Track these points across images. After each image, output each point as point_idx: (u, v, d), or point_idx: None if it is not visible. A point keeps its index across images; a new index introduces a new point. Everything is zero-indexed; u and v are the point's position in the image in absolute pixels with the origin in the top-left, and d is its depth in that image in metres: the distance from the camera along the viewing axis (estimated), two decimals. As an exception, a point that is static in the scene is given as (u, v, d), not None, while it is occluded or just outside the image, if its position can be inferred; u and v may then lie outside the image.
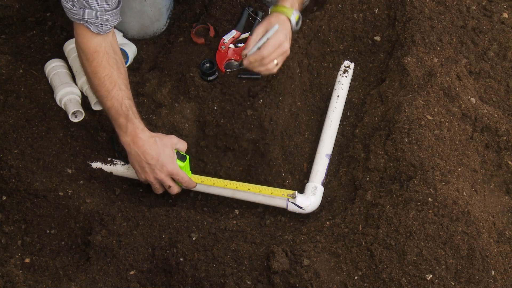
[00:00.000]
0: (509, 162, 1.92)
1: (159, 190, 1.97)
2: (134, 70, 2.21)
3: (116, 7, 1.85)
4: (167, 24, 2.28)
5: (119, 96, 1.87)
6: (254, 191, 1.94)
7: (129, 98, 1.90)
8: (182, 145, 1.95)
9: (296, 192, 1.92)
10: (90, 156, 2.05)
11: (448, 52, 2.05)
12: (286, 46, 1.93)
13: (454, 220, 1.70)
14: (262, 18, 2.20)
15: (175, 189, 1.96)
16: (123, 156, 1.99)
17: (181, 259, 1.78)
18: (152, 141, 1.88)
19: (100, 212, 1.88)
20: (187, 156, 1.96)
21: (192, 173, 2.02)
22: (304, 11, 2.38)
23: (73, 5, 1.80)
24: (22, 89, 2.03)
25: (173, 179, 1.94)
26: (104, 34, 1.85)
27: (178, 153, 1.93)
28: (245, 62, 1.93)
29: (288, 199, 1.91)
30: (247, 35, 2.18)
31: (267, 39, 1.90)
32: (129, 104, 1.89)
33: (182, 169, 1.93)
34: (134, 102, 2.10)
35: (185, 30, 2.25)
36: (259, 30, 1.93)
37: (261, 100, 2.07)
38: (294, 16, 1.96)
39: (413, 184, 1.76)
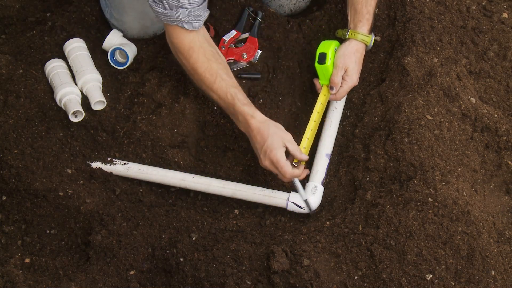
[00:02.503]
0: (509, 162, 1.92)
1: (280, 177, 1.88)
2: (134, 70, 2.21)
3: (205, 0, 1.86)
4: None
5: (223, 87, 1.87)
6: None
7: (233, 86, 1.88)
8: (291, 145, 1.86)
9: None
10: (90, 156, 2.05)
11: (448, 52, 2.05)
12: (356, 83, 2.07)
13: (454, 220, 1.70)
14: (262, 18, 2.20)
15: (283, 178, 1.87)
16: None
17: (181, 259, 1.78)
18: (263, 126, 1.84)
19: (100, 212, 1.88)
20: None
21: (192, 174, 2.03)
22: (304, 11, 2.39)
23: (164, 8, 1.80)
24: (22, 89, 2.03)
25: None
26: (198, 29, 1.86)
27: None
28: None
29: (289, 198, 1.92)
30: (247, 35, 2.18)
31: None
32: (234, 92, 1.87)
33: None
34: (134, 102, 2.11)
35: (185, 30, 2.25)
36: (339, 65, 2.02)
37: (261, 100, 2.07)
38: (372, 41, 2.09)
39: (413, 184, 1.76)
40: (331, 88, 2.05)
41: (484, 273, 1.65)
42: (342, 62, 2.03)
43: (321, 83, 2.09)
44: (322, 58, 2.06)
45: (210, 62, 1.88)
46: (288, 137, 1.86)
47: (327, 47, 2.08)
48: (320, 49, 2.09)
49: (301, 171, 1.88)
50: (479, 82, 2.07)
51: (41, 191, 1.89)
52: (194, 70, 1.90)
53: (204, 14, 1.88)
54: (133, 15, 2.19)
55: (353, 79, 2.05)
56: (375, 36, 2.20)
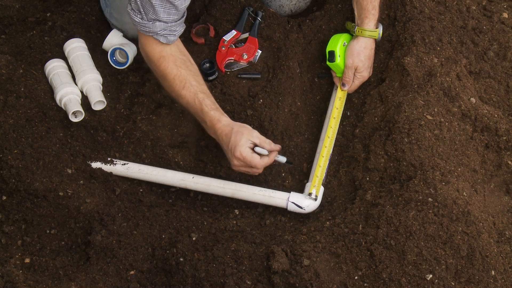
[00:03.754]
0: (509, 162, 1.92)
1: (253, 172, 1.90)
2: (134, 70, 2.21)
3: (183, 16, 1.88)
4: None
5: (191, 92, 1.89)
6: None
7: (201, 91, 1.90)
8: (258, 139, 1.86)
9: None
10: (90, 156, 2.05)
11: (448, 52, 2.05)
12: (367, 77, 2.13)
13: (454, 220, 1.70)
14: (262, 18, 2.20)
15: (256, 170, 1.88)
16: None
17: (181, 259, 1.78)
18: (228, 128, 1.86)
19: (100, 212, 1.88)
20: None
21: (192, 174, 2.03)
22: (304, 11, 2.39)
23: (142, 18, 1.82)
24: (22, 89, 2.03)
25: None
26: (171, 43, 1.89)
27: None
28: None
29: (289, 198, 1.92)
30: (247, 35, 2.18)
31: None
32: (202, 97, 1.89)
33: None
34: (134, 102, 2.11)
35: (185, 30, 2.24)
36: (348, 65, 2.08)
37: (261, 100, 2.07)
38: (380, 33, 2.11)
39: (413, 184, 1.76)
40: (343, 85, 2.12)
41: (484, 273, 1.65)
42: (351, 61, 2.08)
43: (338, 75, 2.16)
44: (331, 56, 2.12)
45: (179, 69, 1.90)
46: (254, 133, 1.86)
47: (335, 43, 2.13)
48: (328, 47, 2.14)
49: (271, 159, 1.88)
50: (479, 82, 2.07)
51: (41, 191, 1.89)
52: (164, 76, 1.91)
53: (180, 29, 1.89)
54: (133, 15, 2.19)
55: (363, 76, 2.11)
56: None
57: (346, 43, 2.13)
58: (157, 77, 1.96)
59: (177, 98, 1.94)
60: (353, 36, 2.13)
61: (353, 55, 2.08)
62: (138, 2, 1.78)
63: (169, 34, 1.86)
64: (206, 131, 2.07)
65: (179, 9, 1.82)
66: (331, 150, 2.05)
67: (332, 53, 2.11)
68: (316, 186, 1.94)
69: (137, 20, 1.83)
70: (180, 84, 1.89)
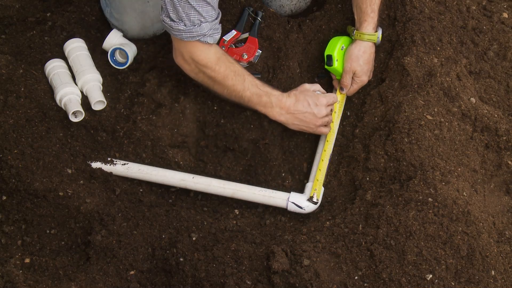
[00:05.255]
0: (509, 162, 1.92)
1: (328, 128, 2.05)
2: (134, 70, 2.21)
3: (219, 13, 1.89)
4: None
5: (252, 82, 1.94)
6: None
7: (254, 77, 1.97)
8: (316, 87, 2.03)
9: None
10: (90, 156, 2.05)
11: (448, 52, 2.05)
12: (366, 81, 2.13)
13: (454, 220, 1.70)
14: (262, 18, 2.20)
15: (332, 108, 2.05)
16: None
17: (181, 259, 1.78)
18: (293, 97, 1.98)
19: (100, 212, 1.88)
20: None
21: (192, 174, 2.03)
22: (304, 11, 2.39)
23: (186, 25, 1.80)
24: (22, 89, 2.03)
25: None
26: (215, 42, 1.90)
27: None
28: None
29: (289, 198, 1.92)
30: (247, 35, 2.18)
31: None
32: (260, 82, 1.97)
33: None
34: (134, 102, 2.11)
35: (185, 30, 2.25)
36: (347, 69, 2.09)
37: (261, 100, 2.07)
38: (379, 37, 2.10)
39: (413, 184, 1.76)
40: (341, 88, 2.12)
41: (484, 273, 1.65)
42: (349, 66, 2.08)
43: (337, 78, 2.16)
44: (329, 60, 2.11)
45: (235, 65, 1.94)
46: (306, 87, 2.00)
47: (333, 47, 2.12)
48: (326, 51, 2.13)
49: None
50: (479, 82, 2.07)
51: (41, 191, 1.89)
52: (226, 77, 1.91)
53: (220, 27, 1.90)
54: (133, 15, 2.19)
55: (362, 80, 2.10)
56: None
57: (345, 47, 2.12)
58: (215, 80, 1.93)
59: (240, 93, 1.95)
60: (352, 40, 2.12)
61: (352, 59, 2.07)
62: (179, 9, 1.76)
63: (214, 33, 1.86)
64: (207, 131, 2.08)
65: (212, 4, 1.81)
66: (330, 152, 2.05)
67: (330, 57, 2.11)
68: (316, 190, 1.94)
69: (181, 28, 1.80)
70: (241, 78, 1.93)
